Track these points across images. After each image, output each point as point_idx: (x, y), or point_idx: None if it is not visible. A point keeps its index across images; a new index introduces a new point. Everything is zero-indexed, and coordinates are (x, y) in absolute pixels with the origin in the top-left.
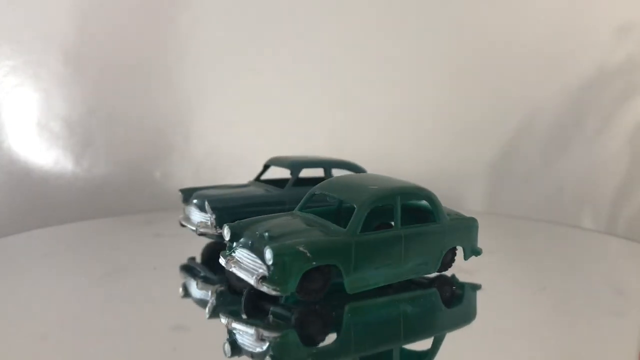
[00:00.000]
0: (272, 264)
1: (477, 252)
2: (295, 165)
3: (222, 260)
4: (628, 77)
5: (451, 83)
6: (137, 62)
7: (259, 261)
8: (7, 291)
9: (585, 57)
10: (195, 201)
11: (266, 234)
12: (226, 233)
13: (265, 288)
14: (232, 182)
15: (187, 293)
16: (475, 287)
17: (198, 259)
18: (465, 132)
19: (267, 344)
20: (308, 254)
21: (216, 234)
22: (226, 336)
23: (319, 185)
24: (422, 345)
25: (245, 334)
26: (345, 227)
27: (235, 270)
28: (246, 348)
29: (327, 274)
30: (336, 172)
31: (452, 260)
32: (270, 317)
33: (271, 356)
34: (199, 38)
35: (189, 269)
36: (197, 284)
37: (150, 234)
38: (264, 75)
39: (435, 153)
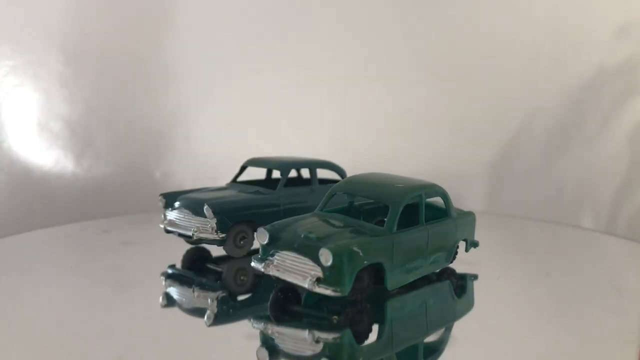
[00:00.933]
0: (331, 265)
1: (475, 244)
2: (284, 166)
3: (256, 264)
4: (628, 77)
5: (451, 83)
6: (137, 62)
7: (311, 263)
8: (7, 292)
9: (585, 57)
10: (187, 205)
11: (312, 235)
12: (263, 236)
13: (322, 290)
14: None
15: (183, 302)
16: (472, 277)
17: (179, 266)
18: (465, 132)
19: (322, 345)
20: (361, 254)
21: (218, 238)
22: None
23: (338, 186)
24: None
25: (292, 338)
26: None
27: (278, 273)
28: (292, 352)
29: (371, 273)
30: (319, 172)
31: (457, 252)
32: (335, 318)
33: (328, 357)
34: (199, 38)
35: (177, 277)
36: (193, 292)
37: (150, 235)
38: (265, 75)
39: (435, 153)
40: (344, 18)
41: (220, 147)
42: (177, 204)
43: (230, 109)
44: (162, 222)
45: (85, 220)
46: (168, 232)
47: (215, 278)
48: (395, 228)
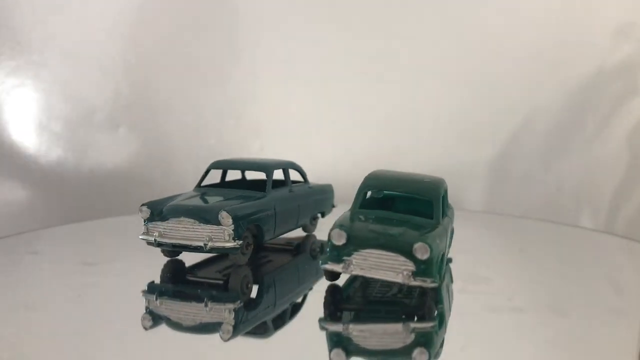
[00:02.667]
0: (428, 258)
1: None
2: (269, 167)
3: (332, 266)
4: (628, 77)
5: (451, 83)
6: (137, 61)
7: (402, 258)
8: (7, 293)
9: (585, 57)
10: (190, 214)
11: (394, 232)
12: (341, 237)
13: (419, 282)
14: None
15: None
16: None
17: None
18: (465, 132)
19: (413, 336)
20: (440, 245)
21: (237, 246)
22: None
23: (369, 184)
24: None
25: (377, 333)
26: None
27: (362, 272)
28: (376, 348)
29: None
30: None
31: None
32: (440, 308)
33: (423, 345)
34: (198, 37)
35: (183, 292)
36: (206, 305)
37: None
38: (264, 76)
39: (436, 153)
40: (345, 18)
41: (220, 147)
42: (170, 213)
43: (230, 109)
44: (150, 235)
45: (85, 221)
46: (160, 245)
47: (221, 289)
48: (440, 219)
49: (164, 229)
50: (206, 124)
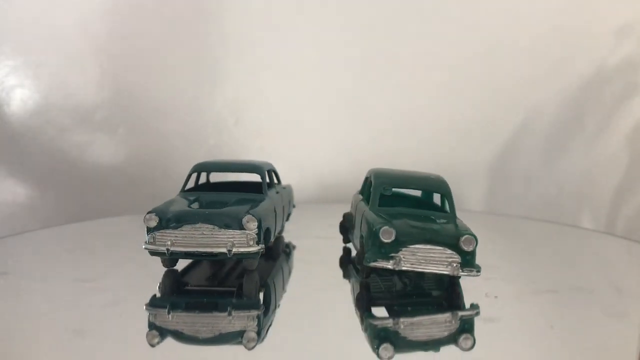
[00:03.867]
0: (473, 250)
1: None
2: (262, 169)
3: (382, 264)
4: (628, 77)
5: (451, 83)
6: (137, 62)
7: (449, 251)
8: (8, 293)
9: (585, 57)
10: (208, 219)
11: (436, 226)
12: (390, 235)
13: (466, 273)
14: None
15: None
16: None
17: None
18: (465, 132)
19: (458, 324)
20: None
21: (260, 250)
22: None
23: (380, 182)
24: None
25: (424, 325)
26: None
27: (412, 267)
28: (425, 339)
29: None
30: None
31: None
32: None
33: (468, 331)
34: (198, 38)
35: (206, 303)
36: (229, 314)
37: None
38: (264, 75)
39: (435, 153)
40: (344, 18)
41: (220, 148)
42: (184, 219)
43: (230, 109)
44: (159, 244)
45: (85, 221)
46: (172, 254)
47: (237, 296)
48: (455, 213)
49: (176, 236)
50: (206, 124)
